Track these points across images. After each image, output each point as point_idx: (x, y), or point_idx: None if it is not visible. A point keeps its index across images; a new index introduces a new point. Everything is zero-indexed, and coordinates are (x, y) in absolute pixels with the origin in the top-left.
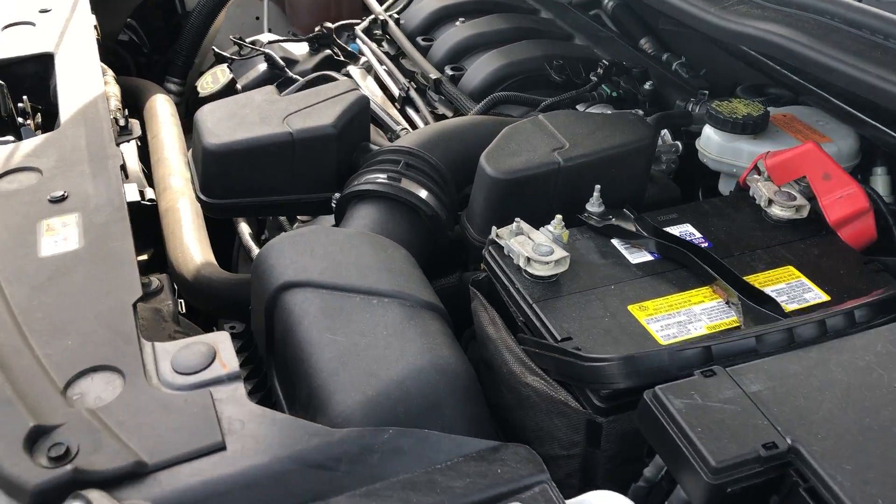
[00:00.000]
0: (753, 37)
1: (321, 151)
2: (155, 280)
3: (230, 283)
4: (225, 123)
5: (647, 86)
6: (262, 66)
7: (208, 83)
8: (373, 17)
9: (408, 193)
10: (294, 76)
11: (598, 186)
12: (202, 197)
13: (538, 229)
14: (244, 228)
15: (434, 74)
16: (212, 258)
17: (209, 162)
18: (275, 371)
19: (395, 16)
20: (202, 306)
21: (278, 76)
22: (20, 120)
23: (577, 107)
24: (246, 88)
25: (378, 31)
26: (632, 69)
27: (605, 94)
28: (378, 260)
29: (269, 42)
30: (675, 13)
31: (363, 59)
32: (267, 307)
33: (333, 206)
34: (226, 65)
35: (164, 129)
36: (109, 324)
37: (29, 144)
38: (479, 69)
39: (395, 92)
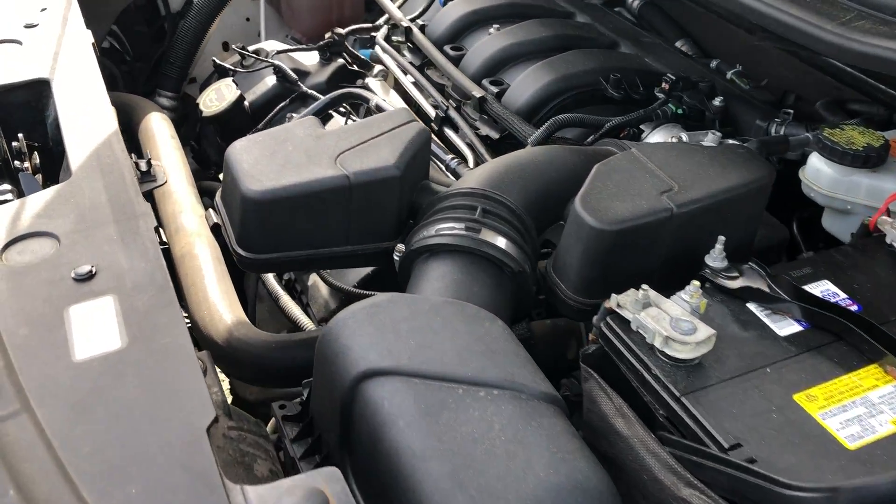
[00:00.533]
0: (885, 59)
1: (382, 196)
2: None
3: (271, 347)
4: (266, 165)
5: (716, 102)
6: (271, 80)
7: (213, 100)
8: (391, 23)
9: (490, 247)
10: (308, 91)
11: (721, 238)
12: (240, 251)
13: (668, 297)
14: None
15: (477, 91)
16: (243, 315)
17: (249, 212)
18: (352, 474)
19: (420, 22)
20: (238, 375)
21: (290, 90)
22: (16, 163)
23: (643, 127)
24: (254, 105)
25: (399, 39)
26: (698, 83)
27: (671, 111)
28: (476, 338)
29: (277, 52)
30: (782, 30)
31: (377, 69)
32: (343, 401)
33: (396, 259)
34: (230, 79)
35: (166, 154)
36: (180, 460)
37: (37, 201)
38: (526, 84)
39: (428, 109)
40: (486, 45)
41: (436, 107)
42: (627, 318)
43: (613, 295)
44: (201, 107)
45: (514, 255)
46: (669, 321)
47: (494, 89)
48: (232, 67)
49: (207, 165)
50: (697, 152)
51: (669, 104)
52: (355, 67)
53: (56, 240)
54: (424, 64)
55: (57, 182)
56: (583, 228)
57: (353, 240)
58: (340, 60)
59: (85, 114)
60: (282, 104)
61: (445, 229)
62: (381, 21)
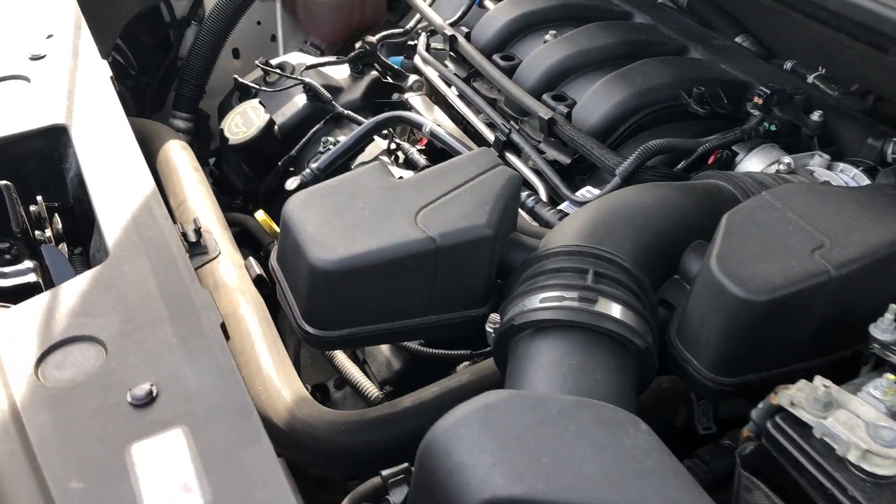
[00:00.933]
0: None
1: (472, 259)
2: None
3: (340, 429)
4: (335, 226)
5: (815, 116)
6: (301, 99)
7: (239, 126)
8: (429, 29)
9: (612, 321)
10: (344, 111)
11: (893, 306)
12: (308, 329)
13: (855, 393)
14: None
15: (544, 111)
16: (302, 389)
17: (320, 285)
18: None
19: (465, 29)
20: (302, 461)
21: (322, 110)
22: (36, 233)
23: (735, 149)
24: (284, 128)
25: (437, 46)
26: (793, 95)
27: (764, 129)
28: (623, 452)
29: (305, 67)
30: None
31: (412, 79)
32: None
33: (490, 333)
34: (257, 101)
35: (191, 191)
36: None
37: (72, 292)
38: (598, 101)
39: (483, 130)
40: (544, 54)
41: (489, 124)
42: (806, 422)
43: (782, 390)
44: (226, 133)
45: (639, 329)
46: (865, 428)
47: (563, 108)
48: (255, 86)
49: (231, 193)
50: (841, 196)
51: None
52: (389, 79)
53: (102, 347)
54: (470, 76)
55: (86, 252)
56: (724, 298)
57: (437, 308)
58: (374, 73)
59: (113, 168)
60: (316, 127)
61: (552, 299)
62: (412, 24)
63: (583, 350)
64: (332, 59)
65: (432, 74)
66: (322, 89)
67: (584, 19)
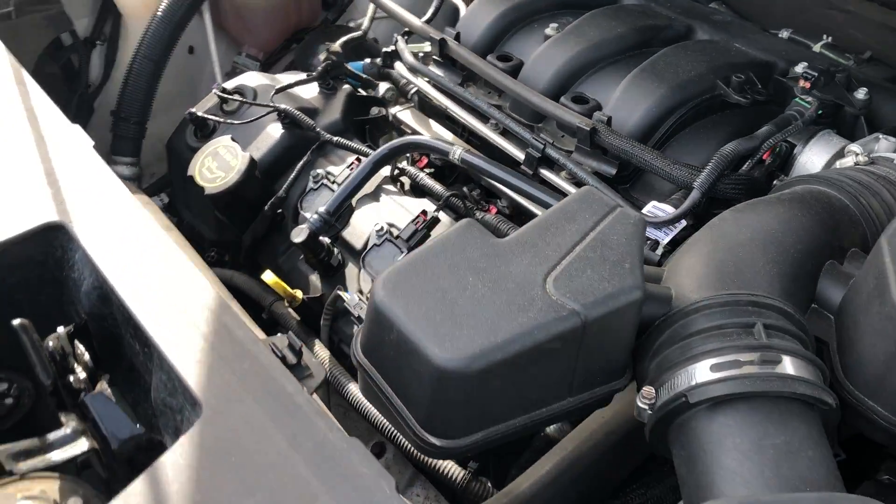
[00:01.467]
0: None
1: (620, 327)
2: None
3: None
4: (447, 313)
5: (860, 94)
6: (276, 129)
7: (213, 170)
8: (402, 33)
9: (805, 384)
10: (331, 138)
11: None
12: (432, 440)
13: None
14: None
15: (581, 121)
16: None
17: (448, 388)
18: None
19: (452, 31)
20: None
21: (305, 139)
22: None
23: (791, 139)
24: (262, 165)
25: (415, 48)
26: (835, 73)
27: (807, 112)
28: None
29: (276, 91)
30: None
31: (384, 88)
32: None
33: (645, 411)
34: (228, 137)
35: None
36: None
37: (177, 471)
38: (632, 101)
39: (499, 143)
40: (553, 51)
41: (502, 132)
42: None
43: None
44: (199, 180)
45: (824, 384)
46: None
47: (602, 116)
48: (216, 118)
49: (200, 244)
50: None
51: (802, 101)
52: (362, 92)
53: None
54: (464, 83)
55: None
56: None
57: (576, 389)
58: (346, 87)
59: (146, 272)
60: (303, 160)
61: (726, 366)
62: (366, 23)
63: (780, 424)
64: (301, 76)
65: (424, 84)
66: (302, 115)
67: (576, 6)
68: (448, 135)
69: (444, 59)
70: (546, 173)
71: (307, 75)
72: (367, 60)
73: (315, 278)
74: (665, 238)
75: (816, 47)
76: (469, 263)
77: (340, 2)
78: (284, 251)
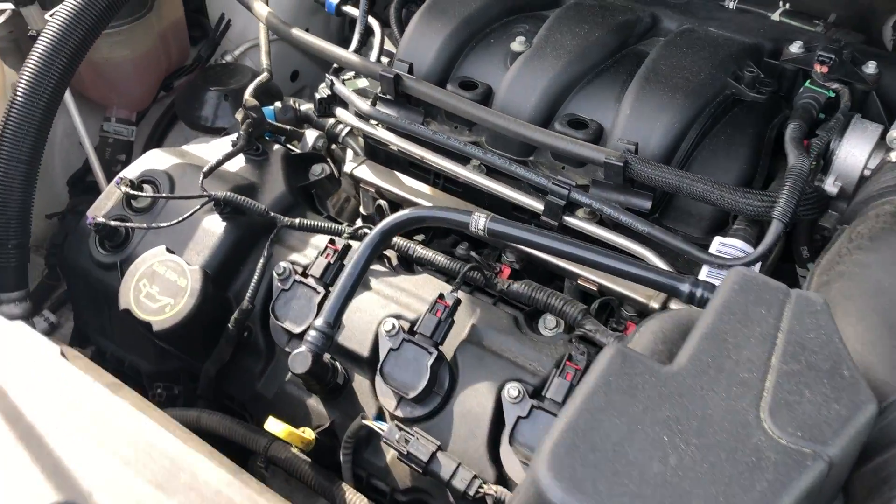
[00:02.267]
0: None
1: (854, 455)
2: None
3: None
4: (659, 500)
5: (870, 69)
6: (215, 224)
7: (156, 297)
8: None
9: None
10: (292, 221)
11: None
12: None
13: None
14: None
15: (608, 155)
16: None
17: None
18: None
19: (404, 63)
20: None
21: (254, 229)
22: None
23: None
24: (211, 272)
25: (349, 84)
26: (842, 50)
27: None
28: None
29: (205, 174)
30: None
31: (313, 138)
32: None
33: None
34: (163, 248)
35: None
36: None
37: None
38: (645, 119)
39: (500, 191)
40: (531, 70)
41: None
42: None
43: None
44: (142, 315)
45: None
46: None
47: (628, 145)
48: (131, 224)
49: (134, 380)
50: None
51: (814, 87)
52: (293, 148)
53: None
54: (424, 120)
55: None
56: None
57: None
58: (278, 148)
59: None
60: (264, 259)
61: None
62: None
63: None
64: (209, 141)
65: (384, 133)
66: (245, 199)
67: (524, 9)
68: (421, 186)
69: (396, 97)
70: (572, 220)
71: (232, 142)
72: (278, 105)
73: (314, 402)
74: None
75: (775, 15)
76: (651, 414)
77: (211, 35)
78: (260, 374)
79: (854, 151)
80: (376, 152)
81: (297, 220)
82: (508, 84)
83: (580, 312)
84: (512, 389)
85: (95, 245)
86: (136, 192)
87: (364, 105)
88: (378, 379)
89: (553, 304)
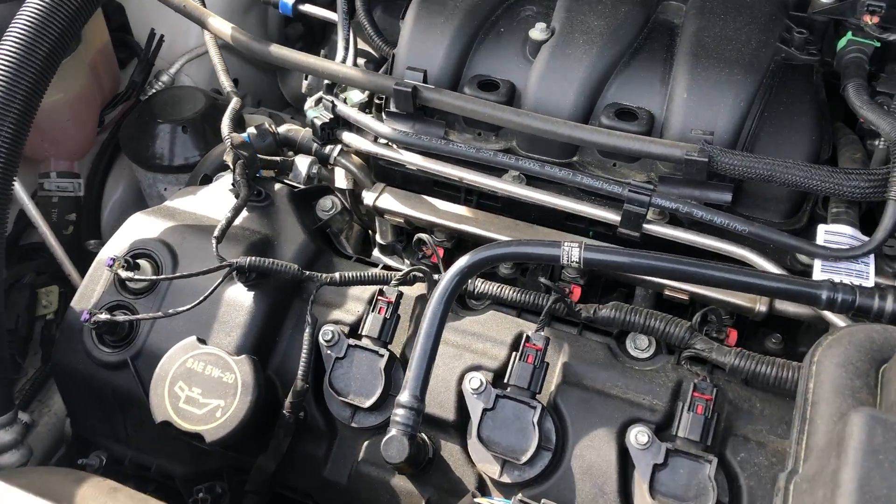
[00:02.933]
0: None
1: None
2: None
3: None
4: None
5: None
6: (241, 295)
7: (201, 401)
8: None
9: None
10: (333, 277)
11: None
12: None
13: None
14: None
15: (686, 150)
16: None
17: None
18: None
19: (416, 70)
20: None
21: (285, 289)
22: None
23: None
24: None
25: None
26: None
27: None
28: None
29: (216, 237)
30: None
31: (306, 164)
32: None
33: None
34: (193, 339)
35: None
36: None
37: None
38: (706, 100)
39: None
40: (563, 60)
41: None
42: None
43: None
44: (187, 426)
45: None
46: None
47: (707, 136)
48: (130, 316)
49: (168, 486)
50: None
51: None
52: (291, 182)
53: None
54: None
55: None
56: None
57: None
58: (280, 187)
59: None
60: (309, 329)
61: None
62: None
63: None
64: (220, 199)
65: (408, 156)
66: (272, 261)
67: None
68: (455, 208)
69: (410, 111)
70: (654, 228)
71: (232, 190)
72: (252, 131)
73: (400, 481)
74: (869, 272)
75: None
76: None
77: (143, 55)
78: (325, 458)
79: None
80: (390, 174)
81: (337, 276)
82: (540, 78)
83: (687, 331)
84: (640, 435)
85: (94, 342)
86: (140, 277)
87: (383, 127)
88: (473, 444)
89: (654, 327)
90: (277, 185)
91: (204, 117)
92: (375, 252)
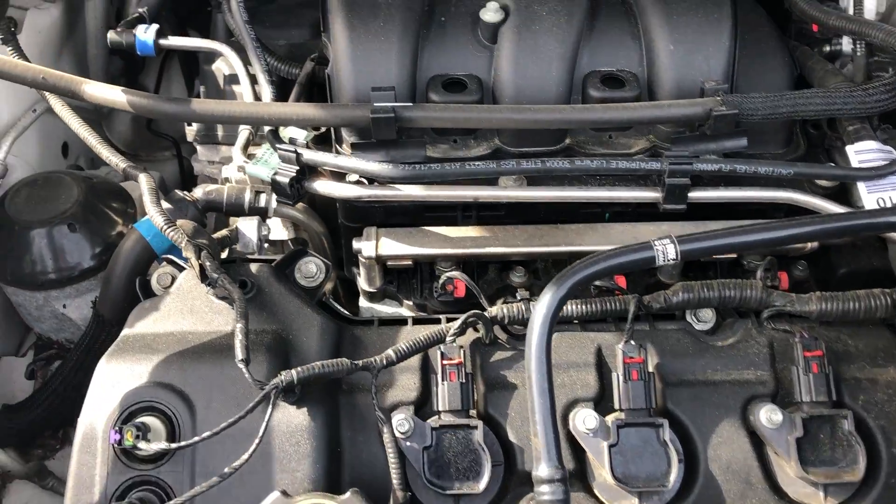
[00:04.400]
0: None
1: None
2: None
3: None
4: None
5: None
6: (295, 417)
7: None
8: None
9: None
10: (381, 362)
11: None
12: None
13: None
14: None
15: (705, 106)
16: None
17: None
18: None
19: (382, 90)
20: None
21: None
22: None
23: None
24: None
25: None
26: None
27: None
28: None
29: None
30: None
31: (252, 229)
32: None
33: None
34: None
35: None
36: None
37: None
38: (701, 51)
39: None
40: (537, 39)
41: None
42: None
43: None
44: None
45: None
46: None
47: (721, 86)
48: None
49: None
50: None
51: None
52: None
53: None
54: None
55: None
56: None
57: None
58: (257, 267)
59: None
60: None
61: None
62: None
63: None
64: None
65: (409, 189)
66: (325, 364)
67: None
68: (458, 231)
69: (392, 137)
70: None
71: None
72: (166, 205)
73: None
74: None
75: None
76: None
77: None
78: None
79: None
80: (368, 213)
81: (392, 353)
82: (513, 63)
83: (763, 291)
84: (773, 414)
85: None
86: (163, 446)
87: (377, 167)
88: (603, 485)
89: (731, 296)
90: (254, 267)
91: (86, 206)
92: (363, 302)
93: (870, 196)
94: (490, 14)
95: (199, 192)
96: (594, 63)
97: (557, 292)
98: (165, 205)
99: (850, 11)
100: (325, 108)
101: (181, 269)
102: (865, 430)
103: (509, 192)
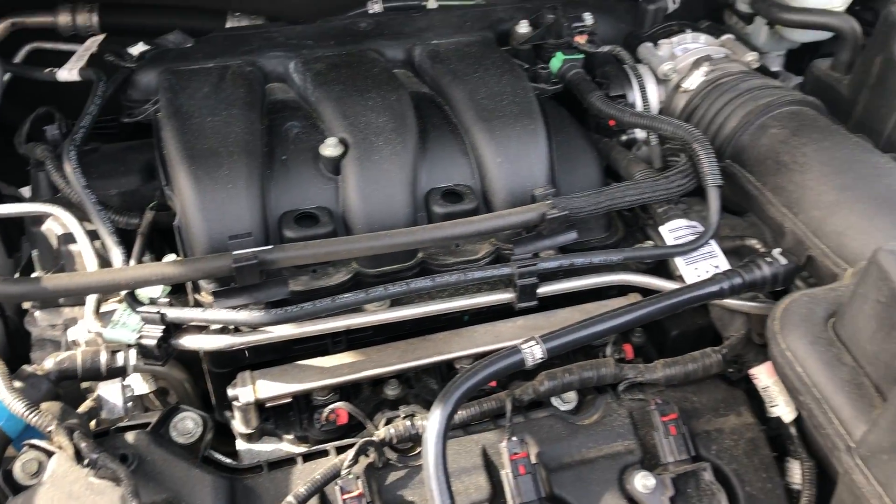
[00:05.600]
0: None
1: None
2: None
3: None
4: None
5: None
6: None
7: None
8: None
9: None
10: None
11: None
12: None
13: None
14: None
15: (539, 211)
16: None
17: None
18: None
19: (240, 237)
20: None
21: None
22: None
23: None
24: None
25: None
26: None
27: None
28: None
29: None
30: None
31: (116, 394)
32: None
33: None
34: None
35: None
36: None
37: None
38: (526, 160)
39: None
40: (379, 169)
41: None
42: None
43: None
44: None
45: None
46: None
47: (548, 191)
48: None
49: None
50: None
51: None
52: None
53: None
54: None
55: None
56: None
57: None
58: (130, 436)
59: None
60: None
61: None
62: None
63: None
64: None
65: (285, 328)
66: None
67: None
68: (329, 360)
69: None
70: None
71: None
72: (19, 384)
73: None
74: (718, 252)
75: (430, 3)
76: None
77: None
78: None
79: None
80: (235, 357)
81: (293, 501)
82: (360, 195)
83: (616, 367)
84: (646, 480)
85: None
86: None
87: (247, 315)
88: None
89: (588, 377)
90: (129, 436)
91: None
92: (241, 444)
93: (687, 267)
94: (330, 149)
95: (49, 364)
96: (432, 181)
97: (444, 410)
98: (18, 384)
99: (639, 106)
100: (183, 263)
101: (47, 452)
102: (722, 476)
103: (378, 315)
